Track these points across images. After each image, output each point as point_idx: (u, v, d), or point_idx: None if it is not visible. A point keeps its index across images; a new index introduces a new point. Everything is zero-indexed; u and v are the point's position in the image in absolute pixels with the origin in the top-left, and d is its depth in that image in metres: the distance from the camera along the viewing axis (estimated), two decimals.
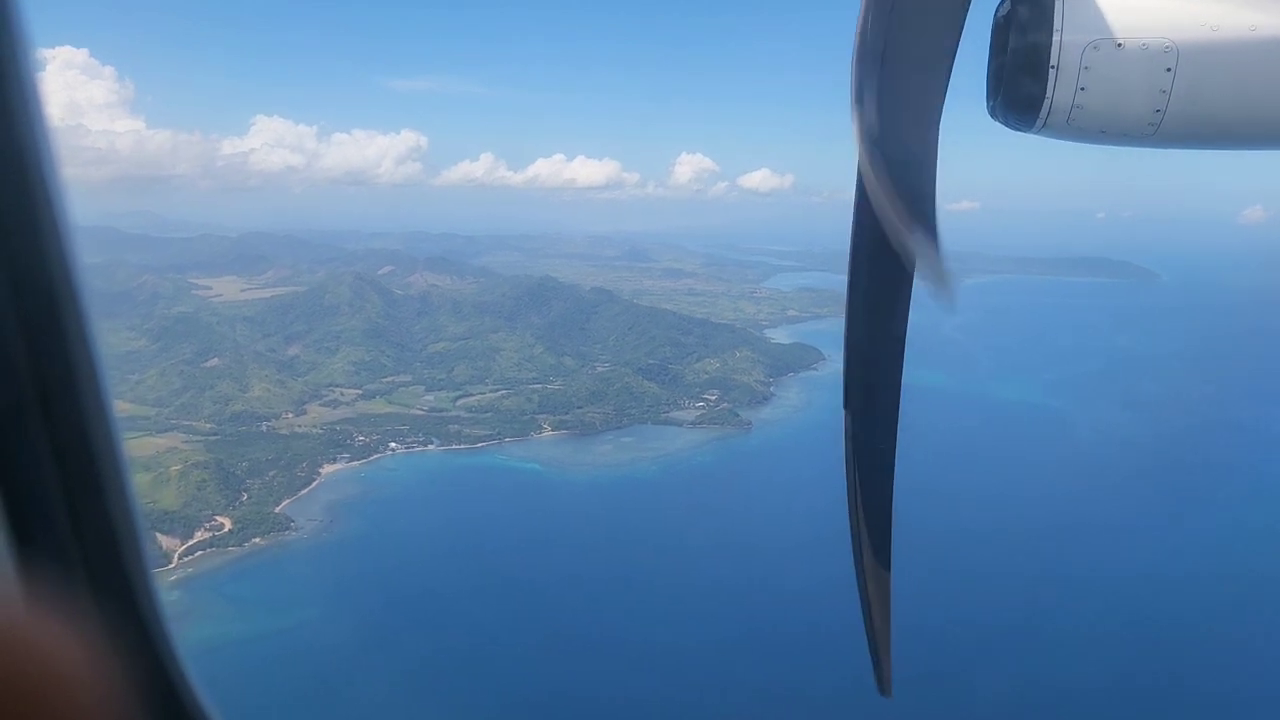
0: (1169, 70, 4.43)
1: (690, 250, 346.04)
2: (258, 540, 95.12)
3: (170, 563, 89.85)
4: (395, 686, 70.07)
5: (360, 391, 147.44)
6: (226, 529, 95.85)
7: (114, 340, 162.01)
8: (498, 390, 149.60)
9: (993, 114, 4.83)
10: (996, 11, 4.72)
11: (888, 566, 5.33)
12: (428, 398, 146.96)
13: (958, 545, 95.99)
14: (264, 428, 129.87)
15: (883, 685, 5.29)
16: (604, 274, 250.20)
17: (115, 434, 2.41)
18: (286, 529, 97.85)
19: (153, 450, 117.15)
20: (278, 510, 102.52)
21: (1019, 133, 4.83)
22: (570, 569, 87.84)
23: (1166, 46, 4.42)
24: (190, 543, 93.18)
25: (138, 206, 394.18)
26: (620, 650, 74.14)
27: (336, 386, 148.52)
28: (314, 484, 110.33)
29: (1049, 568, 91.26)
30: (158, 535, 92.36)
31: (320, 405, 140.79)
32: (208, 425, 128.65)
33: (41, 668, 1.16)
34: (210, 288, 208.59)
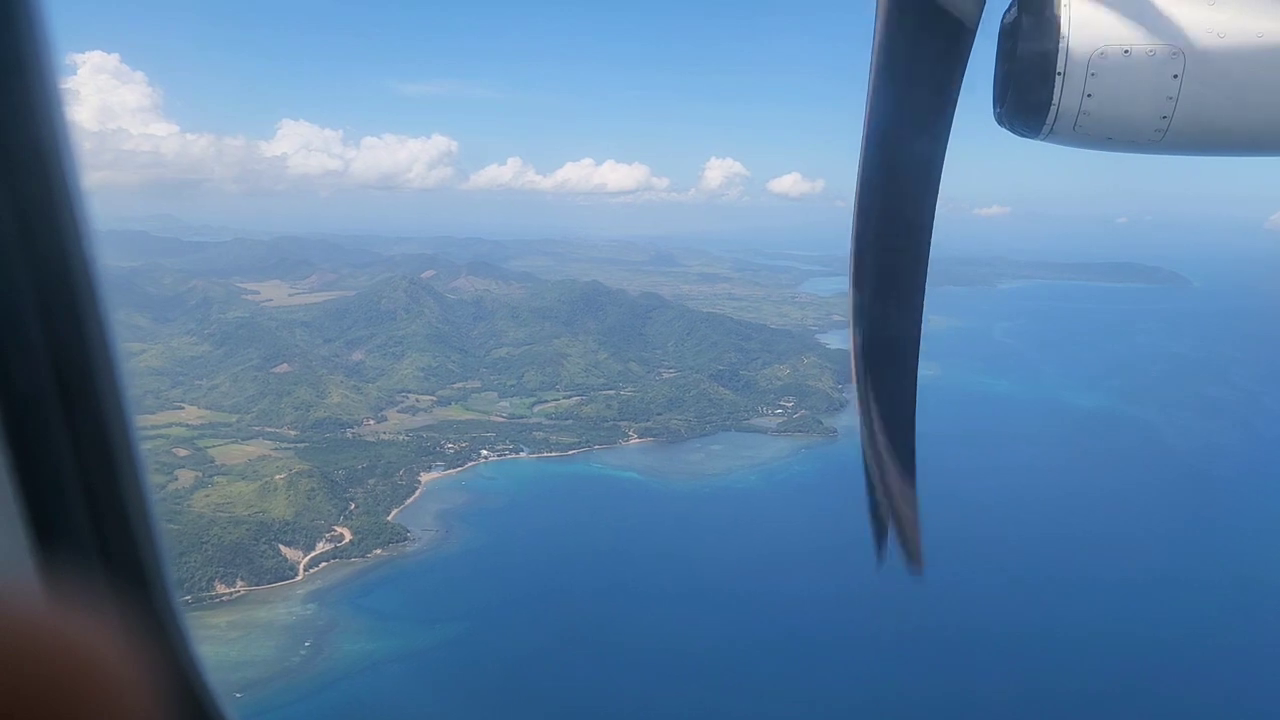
0: (1176, 77, 4.40)
1: (716, 255, 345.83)
2: (379, 552, 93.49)
3: (297, 574, 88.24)
4: (565, 699, 68.74)
5: (435, 398, 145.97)
6: (347, 540, 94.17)
7: (175, 345, 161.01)
8: (571, 396, 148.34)
9: (999, 120, 4.78)
10: (1003, 18, 4.67)
11: (912, 456, 4.92)
12: (503, 404, 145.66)
13: (1085, 554, 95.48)
14: (349, 434, 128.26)
15: (914, 560, 4.86)
16: (639, 279, 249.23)
17: (133, 431, 2.44)
18: (404, 540, 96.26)
19: (243, 458, 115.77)
20: (389, 520, 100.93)
21: (1025, 139, 4.78)
22: (710, 582, 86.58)
23: (1173, 53, 4.39)
24: (313, 554, 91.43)
25: (157, 210, 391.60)
26: (796, 660, 72.96)
27: (410, 393, 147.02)
28: (417, 493, 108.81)
29: (1185, 574, 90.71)
30: (280, 546, 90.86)
31: (399, 412, 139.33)
32: (292, 432, 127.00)
33: (65, 663, 1.18)
34: (258, 292, 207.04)
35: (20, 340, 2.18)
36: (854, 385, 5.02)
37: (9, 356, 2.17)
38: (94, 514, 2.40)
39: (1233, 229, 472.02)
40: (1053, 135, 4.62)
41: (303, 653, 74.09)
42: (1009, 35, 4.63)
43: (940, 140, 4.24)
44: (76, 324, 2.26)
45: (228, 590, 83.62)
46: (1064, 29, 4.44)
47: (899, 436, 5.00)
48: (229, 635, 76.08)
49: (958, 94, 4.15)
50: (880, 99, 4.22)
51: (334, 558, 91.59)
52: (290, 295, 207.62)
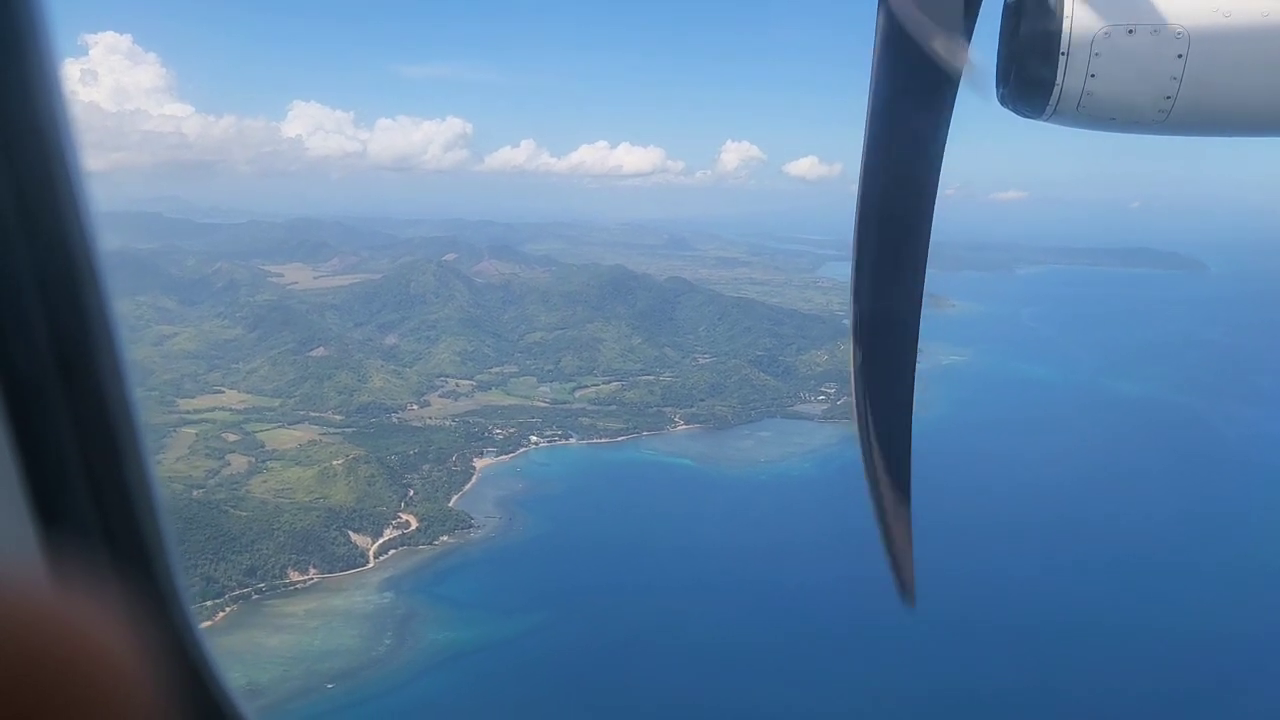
0: (1180, 57, 4.36)
1: (729, 239, 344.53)
2: (446, 539, 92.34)
3: (368, 562, 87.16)
4: (651, 692, 67.83)
5: (474, 382, 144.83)
6: (414, 527, 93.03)
7: (207, 328, 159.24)
8: (611, 381, 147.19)
9: (1003, 101, 4.74)
10: None
11: (907, 478, 5.24)
12: (544, 389, 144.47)
13: (1151, 542, 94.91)
14: (394, 419, 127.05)
15: (906, 592, 5.22)
16: (657, 263, 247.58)
17: (135, 411, 2.46)
18: (469, 527, 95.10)
19: (293, 443, 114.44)
20: (451, 506, 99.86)
21: (1028, 119, 4.75)
22: (780, 571, 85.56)
23: (1178, 33, 4.34)
24: (381, 541, 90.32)
25: (164, 192, 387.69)
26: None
27: (449, 377, 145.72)
28: (473, 479, 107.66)
29: (1252, 564, 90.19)
30: (349, 533, 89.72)
31: (440, 396, 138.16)
32: (338, 417, 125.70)
33: (68, 645, 1.17)
34: (282, 275, 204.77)
35: (21, 321, 2.18)
36: (851, 392, 5.06)
37: (10, 337, 2.18)
38: (96, 493, 2.42)
39: (1246, 213, 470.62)
40: (1056, 116, 4.57)
41: (387, 642, 73.01)
42: (1012, 15, 4.57)
43: (942, 123, 4.23)
44: (77, 304, 2.26)
45: (301, 578, 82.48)
46: (1067, 8, 4.37)
47: (894, 456, 5.15)
48: (309, 624, 75.10)
49: (959, 79, 4.14)
50: (882, 82, 4.22)
51: (402, 544, 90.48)
52: (315, 278, 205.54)
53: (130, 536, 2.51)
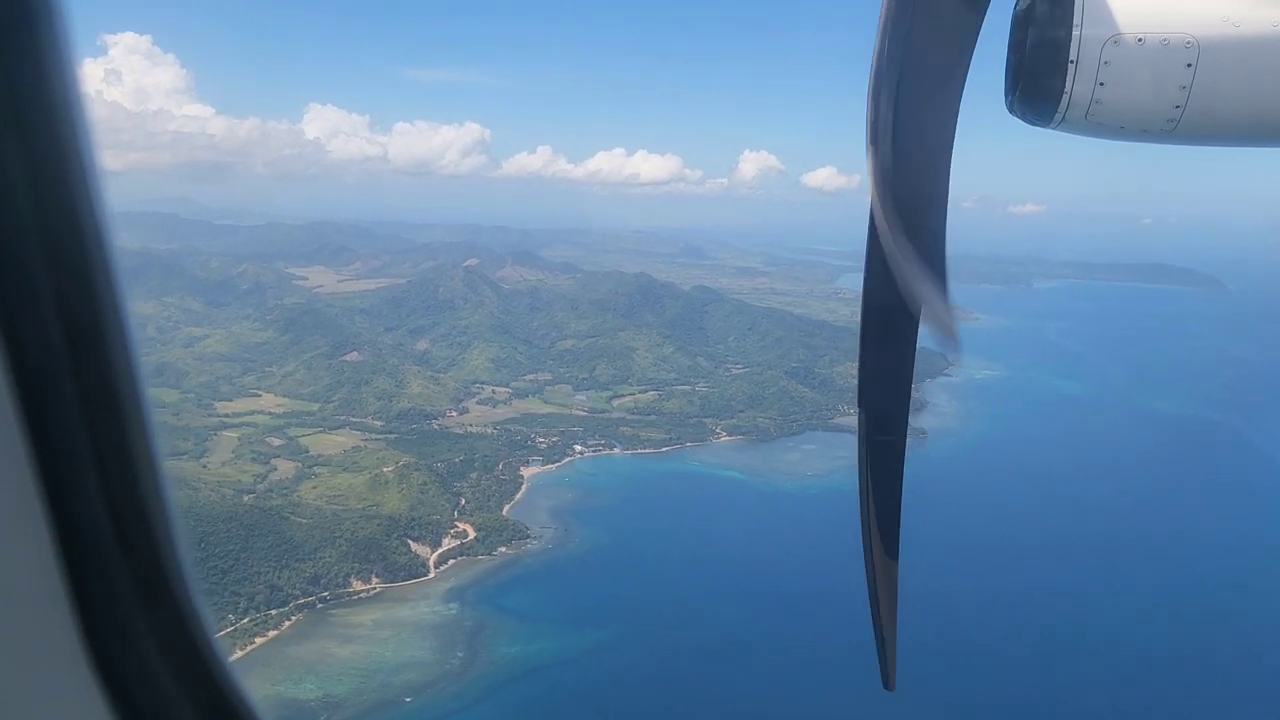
0: (1189, 66, 4.36)
1: (744, 249, 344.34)
2: (504, 549, 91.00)
3: (429, 572, 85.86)
4: (735, 709, 66.72)
5: (510, 390, 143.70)
6: (471, 537, 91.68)
7: (237, 330, 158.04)
8: (647, 391, 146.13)
9: (1011, 109, 4.78)
10: (1016, 6, 4.64)
11: (895, 559, 5.30)
12: (580, 397, 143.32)
13: (1207, 563, 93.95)
14: (435, 426, 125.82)
15: (888, 680, 5.31)
16: (677, 271, 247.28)
17: (146, 406, 2.47)
18: (525, 538, 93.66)
19: (337, 449, 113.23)
20: (505, 516, 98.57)
21: (1036, 128, 4.75)
22: (841, 585, 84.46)
23: (1187, 42, 4.34)
24: (440, 550, 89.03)
25: (176, 193, 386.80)
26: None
27: (484, 384, 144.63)
28: (522, 488, 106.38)
29: None
30: (409, 542, 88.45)
31: (478, 403, 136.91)
32: (378, 422, 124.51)
33: None
34: (306, 278, 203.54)
35: (35, 317, 2.20)
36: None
37: (24, 333, 2.19)
38: (107, 488, 2.43)
39: (1258, 231, 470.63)
40: (1064, 124, 4.56)
41: (460, 655, 71.68)
42: (1022, 24, 4.55)
43: (948, 129, 4.15)
44: (91, 302, 2.28)
45: (365, 587, 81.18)
46: (1077, 17, 4.36)
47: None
48: (379, 635, 73.82)
49: (963, 81, 4.11)
50: (884, 86, 4.13)
51: (461, 554, 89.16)
52: (339, 282, 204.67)
53: (141, 532, 2.52)
